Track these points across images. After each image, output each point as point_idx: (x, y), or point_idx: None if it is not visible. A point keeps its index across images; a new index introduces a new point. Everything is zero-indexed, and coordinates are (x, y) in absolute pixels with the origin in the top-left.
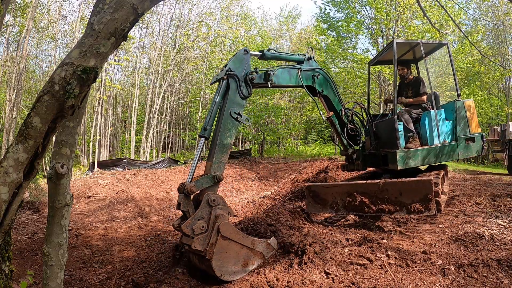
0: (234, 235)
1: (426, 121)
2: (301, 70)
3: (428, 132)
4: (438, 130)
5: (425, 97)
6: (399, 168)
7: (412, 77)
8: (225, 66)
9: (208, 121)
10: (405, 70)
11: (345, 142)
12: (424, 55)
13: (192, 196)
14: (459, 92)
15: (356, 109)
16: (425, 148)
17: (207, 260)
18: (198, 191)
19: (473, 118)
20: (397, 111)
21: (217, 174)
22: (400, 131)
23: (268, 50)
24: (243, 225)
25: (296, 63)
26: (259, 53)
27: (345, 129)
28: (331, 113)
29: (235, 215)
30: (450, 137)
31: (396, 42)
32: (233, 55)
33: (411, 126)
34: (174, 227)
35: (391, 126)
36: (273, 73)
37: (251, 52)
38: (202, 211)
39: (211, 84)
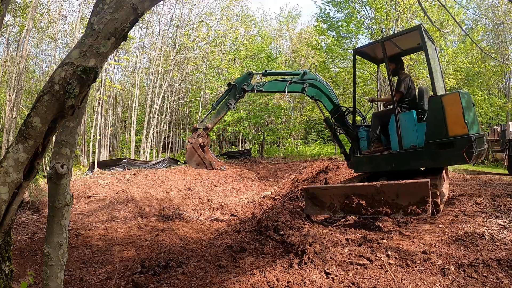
0: (197, 150)
1: (392, 124)
2: (290, 82)
3: (390, 136)
4: (399, 134)
5: (395, 96)
6: (354, 172)
7: (402, 72)
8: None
9: (216, 103)
10: (394, 65)
11: (338, 143)
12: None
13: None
14: (435, 87)
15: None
16: (379, 154)
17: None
18: (198, 127)
19: (455, 116)
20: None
21: (207, 125)
22: (363, 136)
23: (266, 71)
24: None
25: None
26: (261, 73)
27: (333, 131)
28: (326, 116)
29: (234, 215)
30: (421, 141)
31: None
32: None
33: (376, 130)
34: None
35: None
36: (261, 86)
37: (254, 73)
38: (193, 135)
39: (227, 85)
